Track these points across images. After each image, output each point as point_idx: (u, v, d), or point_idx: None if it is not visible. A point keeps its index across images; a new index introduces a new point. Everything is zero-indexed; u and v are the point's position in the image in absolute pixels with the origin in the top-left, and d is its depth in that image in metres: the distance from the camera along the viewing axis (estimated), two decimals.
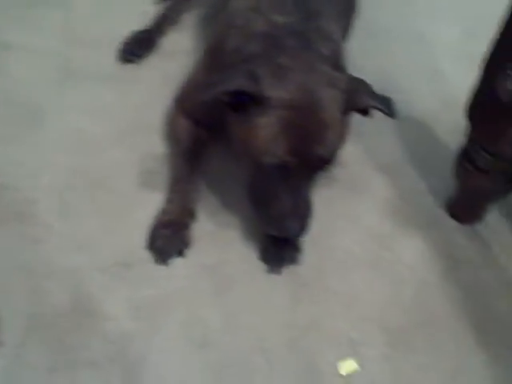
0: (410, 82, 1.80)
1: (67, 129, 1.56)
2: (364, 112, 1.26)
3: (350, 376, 1.19)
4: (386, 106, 1.23)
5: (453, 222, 1.47)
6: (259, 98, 1.16)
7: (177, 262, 1.34)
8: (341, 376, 1.19)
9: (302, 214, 1.22)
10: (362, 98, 1.22)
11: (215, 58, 1.39)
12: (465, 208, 1.46)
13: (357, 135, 1.55)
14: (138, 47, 1.75)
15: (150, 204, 1.43)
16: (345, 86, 1.21)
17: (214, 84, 1.19)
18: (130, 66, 1.74)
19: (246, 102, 1.19)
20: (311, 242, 1.38)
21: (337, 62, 1.32)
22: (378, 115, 1.28)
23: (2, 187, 1.41)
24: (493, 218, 1.48)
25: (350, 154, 1.53)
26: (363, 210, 1.47)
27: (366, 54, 1.84)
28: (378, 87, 1.67)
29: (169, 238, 1.34)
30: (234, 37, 1.32)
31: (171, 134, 1.53)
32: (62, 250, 1.33)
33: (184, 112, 1.50)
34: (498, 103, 1.20)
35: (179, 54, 1.76)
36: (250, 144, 1.21)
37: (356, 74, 1.31)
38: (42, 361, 1.16)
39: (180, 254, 1.34)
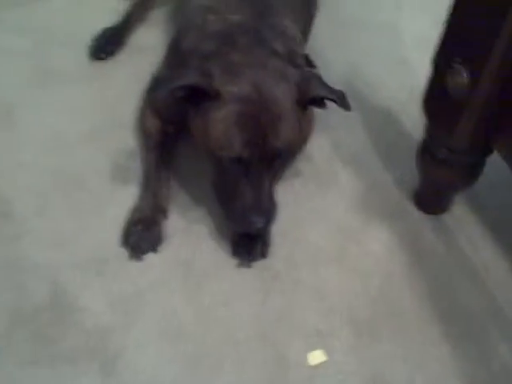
0: (378, 72, 1.84)
1: (40, 128, 1.60)
2: (319, 104, 1.31)
3: (317, 366, 1.25)
4: (339, 98, 1.28)
5: (419, 213, 1.52)
6: (213, 93, 1.22)
7: (151, 258, 1.38)
8: (309, 366, 1.25)
9: (264, 208, 1.27)
10: (314, 90, 1.28)
11: (174, 56, 1.44)
12: (430, 199, 1.51)
13: (323, 129, 1.60)
14: (107, 44, 1.78)
15: (124, 200, 1.47)
16: (297, 79, 1.27)
17: (169, 80, 1.26)
18: (100, 64, 1.77)
19: (201, 98, 1.24)
20: (280, 236, 1.43)
21: (291, 57, 1.36)
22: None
23: None
24: (459, 208, 1.53)
25: (317, 147, 1.59)
26: (330, 203, 1.51)
27: (333, 44, 1.89)
28: (344, 78, 1.73)
29: (142, 235, 1.38)
30: (191, 37, 1.39)
31: (141, 130, 1.57)
32: (40, 247, 1.37)
33: (151, 108, 1.54)
34: (448, 97, 1.24)
35: (148, 49, 1.78)
36: (208, 138, 1.27)
37: (322, 65, 1.36)
38: (25, 354, 1.21)
39: (153, 249, 1.39)
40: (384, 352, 1.28)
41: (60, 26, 1.84)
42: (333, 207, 1.51)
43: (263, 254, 1.40)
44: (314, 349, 1.27)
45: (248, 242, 1.39)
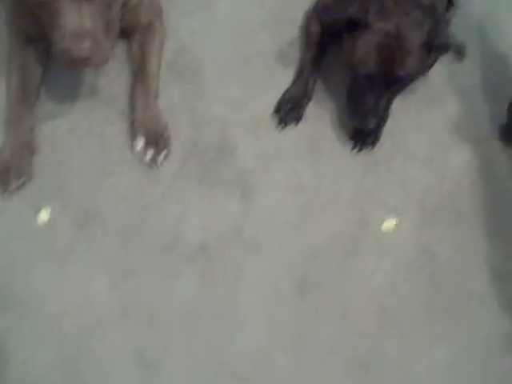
0: (505, 17, 2.15)
1: (233, 11, 2.07)
2: (442, 50, 1.74)
3: (387, 232, 1.78)
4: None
5: (499, 143, 1.93)
6: (365, 25, 1.69)
7: (291, 129, 1.90)
8: (381, 230, 1.78)
9: (377, 114, 1.75)
10: (440, 39, 1.70)
11: None
12: (511, 134, 1.93)
13: (445, 59, 1.96)
14: None
15: (282, 79, 1.96)
16: (429, 29, 1.69)
17: (339, 9, 1.74)
18: None
19: (356, 26, 1.71)
20: (388, 136, 1.90)
21: (432, 9, 1.75)
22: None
23: (180, 51, 1.98)
24: None
25: (435, 73, 1.95)
26: (433, 120, 1.95)
27: None
28: (477, 16, 2.09)
29: (289, 111, 1.90)
30: None
31: (305, 30, 2.03)
32: (217, 104, 1.91)
33: (317, 19, 1.99)
34: None
35: None
36: (352, 55, 1.74)
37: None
38: (195, 175, 1.80)
39: (295, 123, 1.91)
40: (438, 233, 1.79)
41: None
42: (434, 123, 1.95)
43: (372, 145, 1.89)
44: (388, 219, 1.79)
45: (364, 133, 1.88)
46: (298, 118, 1.91)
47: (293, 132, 1.91)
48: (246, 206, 1.79)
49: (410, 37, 1.68)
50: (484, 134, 1.96)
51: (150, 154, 1.77)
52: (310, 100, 1.94)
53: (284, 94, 1.94)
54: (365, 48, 1.70)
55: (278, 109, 1.92)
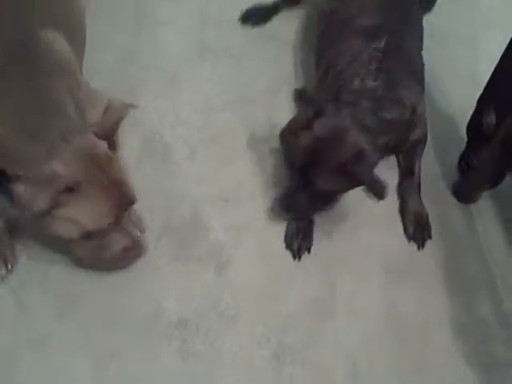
0: (450, 82, 2.35)
1: (195, 93, 2.22)
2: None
3: (355, 293, 1.89)
4: (378, 190, 1.76)
5: (453, 199, 2.08)
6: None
7: (261, 198, 2.03)
8: (350, 291, 1.89)
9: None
10: (361, 175, 1.75)
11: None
12: (463, 191, 2.07)
13: None
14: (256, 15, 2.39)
15: (247, 156, 2.10)
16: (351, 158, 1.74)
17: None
18: (242, 47, 2.35)
19: None
20: (351, 202, 2.03)
21: (403, 124, 1.89)
22: None
23: (150, 133, 2.11)
24: (484, 201, 2.08)
25: None
26: (391, 178, 2.04)
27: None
28: (429, 79, 2.17)
29: (301, 241, 1.95)
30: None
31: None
32: (187, 183, 2.02)
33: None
34: (481, 130, 1.79)
35: (277, 40, 2.40)
36: None
37: None
38: (169, 252, 1.89)
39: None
40: (402, 292, 1.91)
41: (218, 7, 2.45)
42: (392, 181, 2.08)
43: None
44: (355, 280, 1.91)
45: None
46: (310, 244, 1.96)
47: (260, 203, 2.02)
48: (221, 279, 1.89)
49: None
50: (439, 192, 2.09)
51: None
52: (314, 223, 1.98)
53: (289, 227, 1.98)
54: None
55: (290, 244, 1.96)
